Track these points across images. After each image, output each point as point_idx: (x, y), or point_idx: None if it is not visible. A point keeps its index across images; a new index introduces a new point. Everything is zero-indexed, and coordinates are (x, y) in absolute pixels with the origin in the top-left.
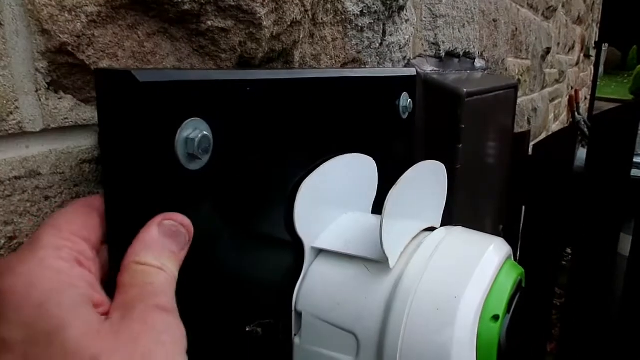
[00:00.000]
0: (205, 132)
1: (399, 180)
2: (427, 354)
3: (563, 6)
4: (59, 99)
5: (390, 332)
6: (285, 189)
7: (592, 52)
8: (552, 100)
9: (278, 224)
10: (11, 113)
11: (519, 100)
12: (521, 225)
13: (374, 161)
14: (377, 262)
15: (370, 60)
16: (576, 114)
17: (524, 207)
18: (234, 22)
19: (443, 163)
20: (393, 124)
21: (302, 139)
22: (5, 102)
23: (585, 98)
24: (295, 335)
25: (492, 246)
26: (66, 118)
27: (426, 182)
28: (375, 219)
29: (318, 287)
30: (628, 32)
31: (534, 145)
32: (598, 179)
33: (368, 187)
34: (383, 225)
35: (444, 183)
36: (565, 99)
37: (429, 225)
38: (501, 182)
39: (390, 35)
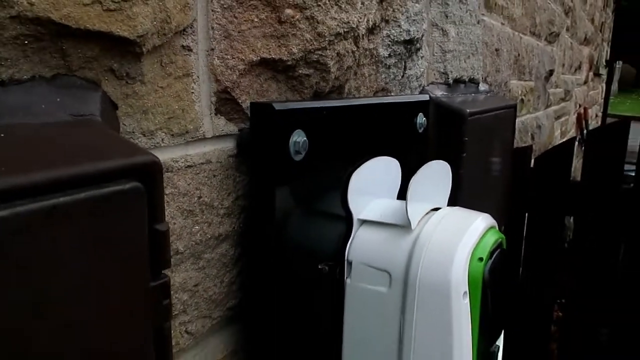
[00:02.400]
0: (304, 138)
1: (417, 172)
2: (436, 282)
3: (567, 30)
4: (219, 119)
5: (412, 268)
6: (342, 178)
7: (603, 71)
8: (557, 117)
9: (338, 202)
10: (200, 127)
11: (523, 118)
12: (525, 229)
13: (398, 163)
14: (402, 226)
15: (394, 89)
16: (584, 131)
17: (527, 214)
18: (314, 70)
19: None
20: (412, 137)
21: (353, 144)
22: (197, 121)
23: (597, 115)
24: (347, 277)
25: (480, 217)
26: (222, 130)
27: (436, 175)
28: (399, 202)
29: (363, 243)
30: None
31: (535, 158)
32: (592, 189)
33: (394, 181)
34: (408, 199)
35: (449, 176)
36: (574, 117)
37: (438, 206)
38: (503, 188)
39: (409, 69)
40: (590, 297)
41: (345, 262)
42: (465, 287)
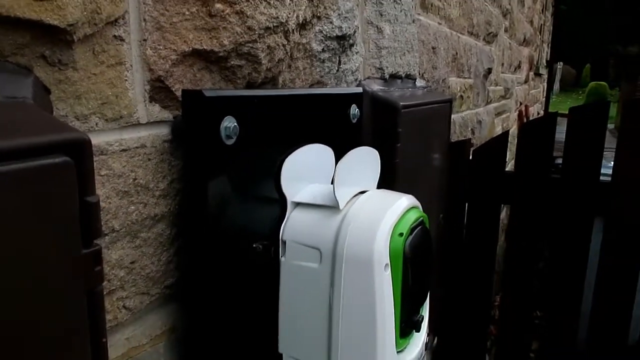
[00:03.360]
0: (234, 124)
1: (344, 156)
2: (360, 255)
3: (506, 31)
4: (153, 106)
5: (339, 244)
6: (275, 163)
7: (544, 71)
8: (498, 114)
9: (272, 186)
10: (134, 113)
11: (463, 114)
12: (465, 218)
13: (332, 151)
14: (332, 207)
15: (330, 82)
16: None
17: (467, 204)
18: (246, 61)
19: (385, 159)
20: (346, 127)
21: (286, 132)
22: (131, 107)
23: (538, 113)
24: (281, 256)
25: (404, 197)
26: (157, 117)
27: (364, 160)
28: (331, 186)
29: (296, 224)
30: (581, 51)
31: (473, 151)
32: (524, 179)
33: (328, 168)
34: (336, 181)
35: (377, 162)
36: (515, 114)
37: (366, 189)
38: (440, 178)
39: (344, 64)
40: (525, 284)
41: (280, 241)
42: (386, 260)
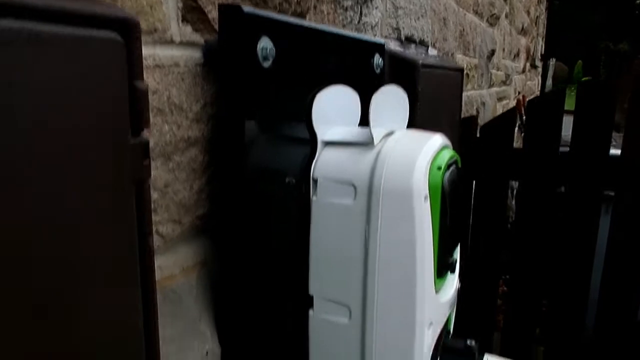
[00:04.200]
0: (272, 45)
1: (375, 95)
2: (399, 188)
3: (507, 16)
4: (186, 26)
5: (375, 178)
6: (305, 99)
7: (539, 63)
8: (499, 99)
9: (302, 125)
10: (167, 30)
11: (469, 93)
12: (472, 198)
13: (358, 95)
14: (365, 144)
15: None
16: (524, 117)
17: (474, 182)
18: None
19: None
20: (369, 76)
21: (315, 68)
22: (165, 22)
23: None
24: (313, 195)
25: (438, 135)
26: (189, 38)
27: (393, 99)
28: (360, 127)
29: (328, 161)
30: (573, 47)
31: (480, 127)
32: (533, 154)
33: (355, 113)
34: (371, 118)
35: (406, 102)
36: (513, 102)
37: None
38: (452, 140)
39: (365, 16)
40: (531, 273)
41: (311, 180)
42: (426, 191)
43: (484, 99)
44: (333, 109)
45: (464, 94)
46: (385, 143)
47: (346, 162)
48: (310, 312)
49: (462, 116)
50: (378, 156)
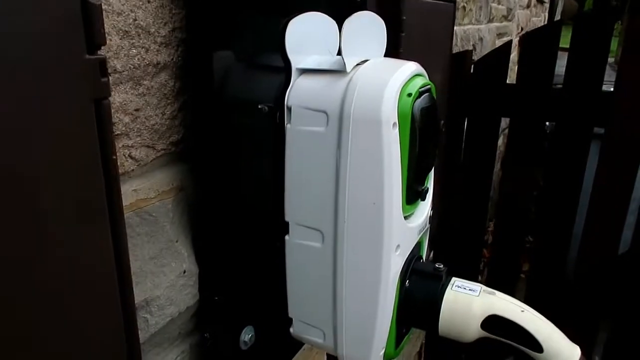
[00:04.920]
0: None
1: (350, 17)
2: (368, 114)
3: None
4: None
5: (346, 105)
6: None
7: None
8: (499, 35)
9: (277, 55)
10: None
11: (465, 27)
12: (464, 134)
13: (336, 24)
14: (339, 71)
15: None
16: None
17: (466, 119)
18: None
19: (389, 48)
20: (350, 4)
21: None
22: None
23: None
24: (287, 123)
25: (411, 62)
26: None
27: (370, 27)
28: (337, 56)
29: (302, 89)
30: None
31: (474, 63)
32: (526, 91)
33: (332, 41)
34: (342, 43)
35: (383, 31)
36: (516, 40)
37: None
38: (442, 84)
39: None
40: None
41: (285, 107)
42: (394, 119)
43: (482, 34)
44: (310, 37)
45: (459, 28)
46: (359, 69)
47: (319, 89)
48: (287, 237)
49: (456, 52)
50: (349, 83)
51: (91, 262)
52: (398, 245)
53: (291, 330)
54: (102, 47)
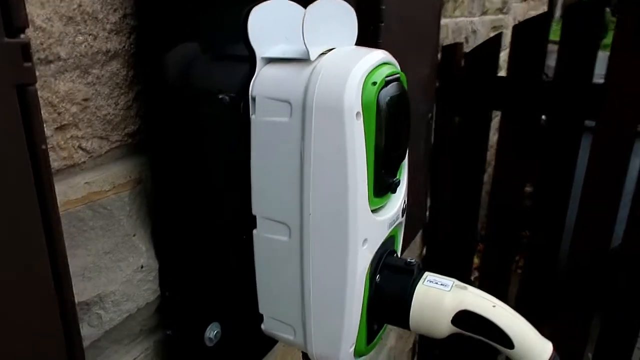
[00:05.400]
0: None
1: (312, 4)
2: (331, 104)
3: None
4: None
5: (309, 94)
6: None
7: None
8: (495, 28)
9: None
10: None
11: (457, 19)
12: (456, 127)
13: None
14: (303, 60)
15: None
16: None
17: (457, 112)
18: None
19: (368, 39)
20: None
21: None
22: None
23: None
24: (252, 114)
25: (379, 50)
26: None
27: (338, 15)
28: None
29: (266, 79)
30: None
31: (465, 54)
32: (517, 83)
33: (298, 29)
34: (304, 30)
35: (353, 15)
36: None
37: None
38: (430, 76)
39: None
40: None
41: (250, 98)
42: (358, 108)
43: (475, 27)
44: (276, 25)
45: (451, 20)
46: (322, 59)
47: (283, 79)
48: (255, 231)
49: (446, 44)
50: (313, 71)
51: (19, 261)
52: (365, 239)
53: (262, 326)
54: (26, 31)
